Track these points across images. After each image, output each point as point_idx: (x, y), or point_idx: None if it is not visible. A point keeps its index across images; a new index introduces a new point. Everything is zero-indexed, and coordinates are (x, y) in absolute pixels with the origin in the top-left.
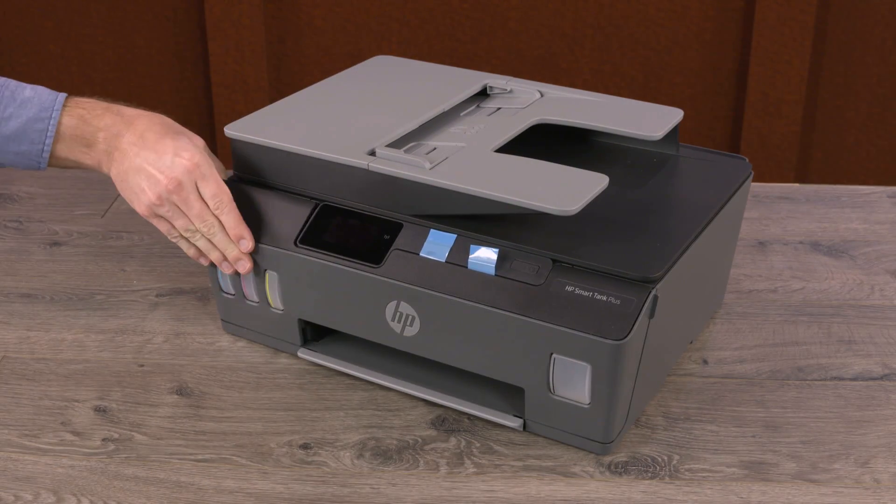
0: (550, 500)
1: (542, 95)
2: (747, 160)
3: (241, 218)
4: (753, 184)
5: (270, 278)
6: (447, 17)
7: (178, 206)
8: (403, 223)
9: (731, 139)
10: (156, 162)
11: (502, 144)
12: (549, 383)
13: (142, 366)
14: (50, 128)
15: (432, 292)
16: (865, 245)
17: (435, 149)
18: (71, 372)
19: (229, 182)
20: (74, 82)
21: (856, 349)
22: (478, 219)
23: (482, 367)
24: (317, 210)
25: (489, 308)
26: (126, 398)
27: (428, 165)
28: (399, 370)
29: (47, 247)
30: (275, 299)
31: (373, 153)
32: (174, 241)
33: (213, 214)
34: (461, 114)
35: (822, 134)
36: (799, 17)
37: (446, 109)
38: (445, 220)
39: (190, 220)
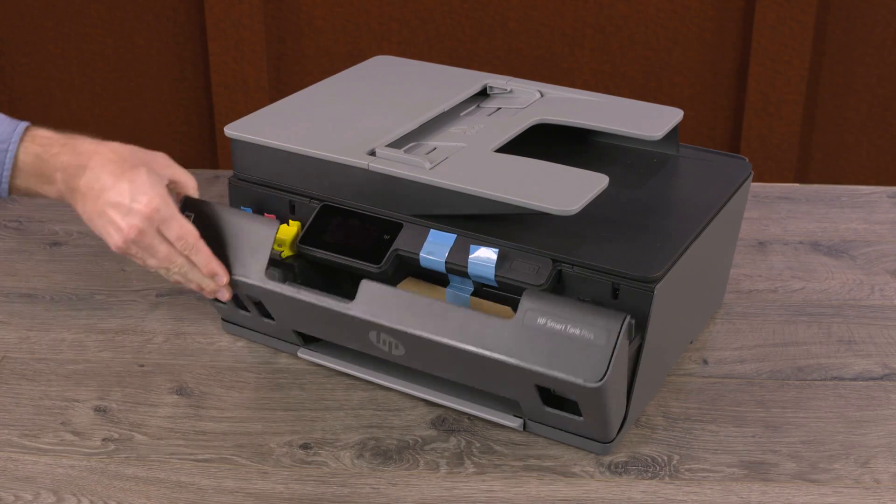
0: (550, 500)
1: (542, 95)
2: (747, 160)
3: (210, 255)
4: (753, 184)
5: None
6: (447, 17)
7: (144, 250)
8: (403, 223)
9: (731, 139)
10: (115, 207)
11: (502, 144)
12: (540, 401)
13: (142, 366)
14: (7, 161)
15: (406, 330)
16: (865, 245)
17: (435, 149)
18: (71, 372)
19: (193, 206)
20: (74, 82)
21: (856, 349)
22: (478, 219)
23: (474, 384)
24: (317, 210)
25: (464, 346)
26: (126, 398)
27: (428, 165)
28: (399, 370)
29: (47, 247)
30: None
31: (373, 153)
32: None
33: (182, 254)
34: (461, 114)
35: (822, 134)
36: (799, 17)
37: (446, 109)
38: (445, 220)
39: (159, 261)
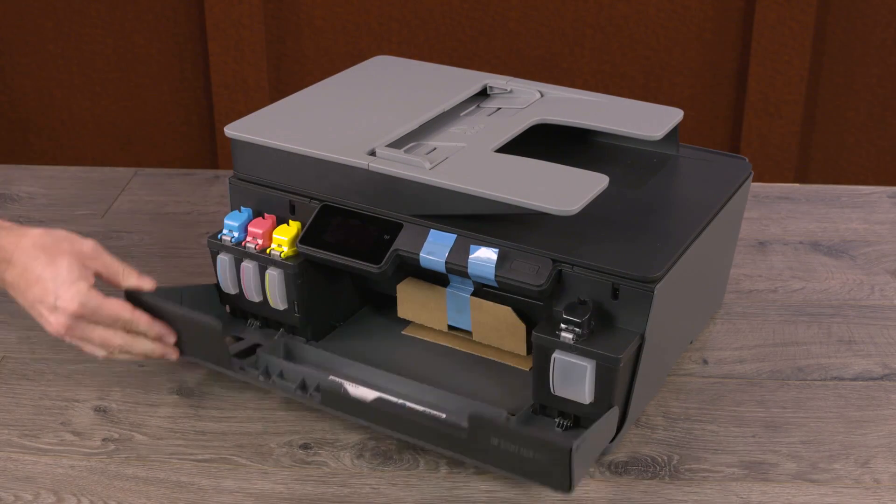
0: (550, 500)
1: (542, 95)
2: (747, 160)
3: (150, 319)
4: (753, 184)
5: (270, 279)
6: (447, 17)
7: (80, 340)
8: (403, 223)
9: (731, 139)
10: (41, 303)
11: (502, 144)
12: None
13: (142, 366)
14: None
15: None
16: (865, 245)
17: (435, 149)
18: (71, 372)
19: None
20: (74, 82)
21: (856, 349)
22: (478, 219)
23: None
24: (317, 210)
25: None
26: (126, 398)
27: (428, 165)
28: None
29: None
30: (275, 300)
31: (373, 153)
32: None
33: (120, 332)
34: (461, 114)
35: (822, 134)
36: (799, 17)
37: (446, 109)
38: (445, 220)
39: (96, 347)
